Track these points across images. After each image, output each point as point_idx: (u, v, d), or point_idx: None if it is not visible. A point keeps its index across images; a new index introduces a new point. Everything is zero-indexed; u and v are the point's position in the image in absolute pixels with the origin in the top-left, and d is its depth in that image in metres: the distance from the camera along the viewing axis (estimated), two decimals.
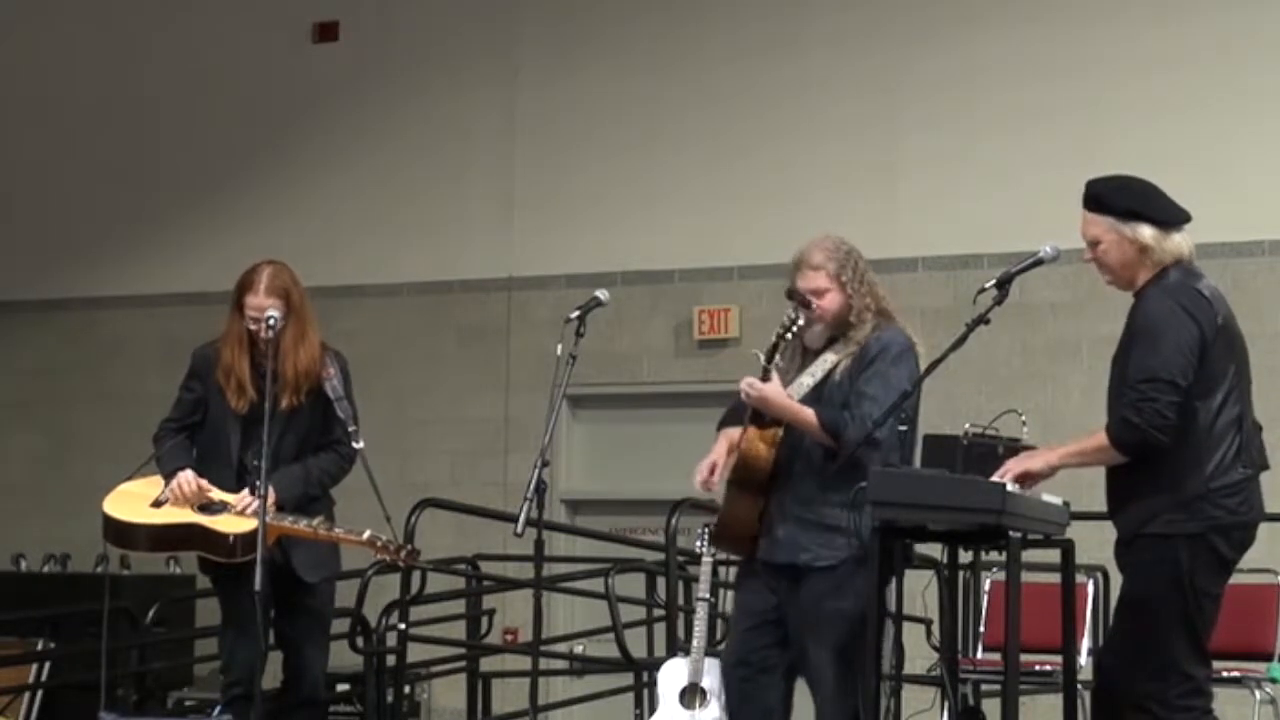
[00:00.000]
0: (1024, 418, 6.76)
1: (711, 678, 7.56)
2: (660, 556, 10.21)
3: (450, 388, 13.44)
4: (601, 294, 7.38)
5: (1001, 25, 12.14)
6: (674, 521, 9.67)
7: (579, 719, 12.17)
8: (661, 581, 10.16)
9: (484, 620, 11.02)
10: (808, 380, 6.76)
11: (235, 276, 7.61)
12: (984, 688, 8.39)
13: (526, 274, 13.27)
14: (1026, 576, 6.56)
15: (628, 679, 10.47)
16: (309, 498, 7.51)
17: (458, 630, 10.87)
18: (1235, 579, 6.40)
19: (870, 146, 12.38)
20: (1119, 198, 6.37)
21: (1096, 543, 7.07)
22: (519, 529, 7.02)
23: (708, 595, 7.89)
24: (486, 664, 10.89)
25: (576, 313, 7.24)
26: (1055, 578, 6.72)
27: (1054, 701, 7.38)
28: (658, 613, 10.43)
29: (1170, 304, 6.23)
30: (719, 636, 9.06)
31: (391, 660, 9.49)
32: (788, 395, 6.68)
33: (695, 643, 7.73)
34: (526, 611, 7.95)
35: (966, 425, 6.52)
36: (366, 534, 7.37)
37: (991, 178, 11.96)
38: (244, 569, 7.20)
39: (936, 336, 6.87)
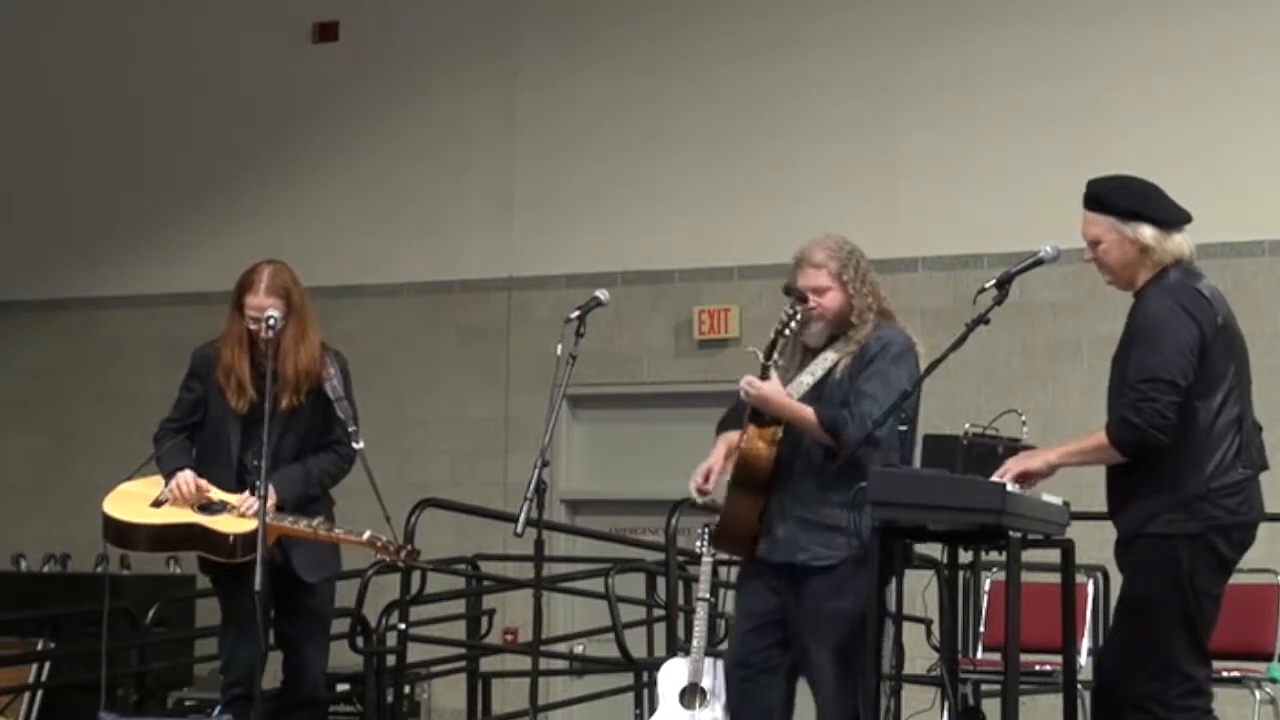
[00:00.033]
0: (1024, 418, 6.76)
1: (711, 678, 7.56)
2: (660, 556, 10.21)
3: (450, 388, 13.44)
4: (601, 294, 7.38)
5: (1001, 25, 12.14)
6: (674, 521, 9.67)
7: (579, 719, 12.17)
8: (661, 581, 10.16)
9: (484, 620, 11.02)
10: (807, 379, 6.75)
11: (235, 276, 7.61)
12: (984, 688, 8.39)
13: (526, 274, 13.27)
14: (1026, 576, 6.56)
15: (628, 679, 10.47)
16: (309, 498, 7.52)
17: (458, 630, 10.87)
18: (1235, 579, 6.40)
19: (870, 146, 12.38)
20: (1120, 198, 6.37)
21: (1096, 543, 7.07)
22: (519, 529, 7.02)
23: (708, 595, 7.89)
24: (486, 664, 10.89)
25: (576, 313, 7.24)
26: (1055, 578, 6.72)
27: (1054, 701, 7.38)
28: (658, 613, 10.43)
29: (1170, 304, 6.23)
30: (719, 636, 9.07)
31: (391, 660, 9.49)
32: (787, 394, 6.68)
33: (695, 643, 7.74)
34: (526, 611, 7.95)
35: (966, 425, 6.52)
36: (366, 534, 7.37)
37: (991, 178, 11.96)
38: (244, 569, 7.20)
39: (936, 336, 6.87)
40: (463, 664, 10.77)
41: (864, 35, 12.49)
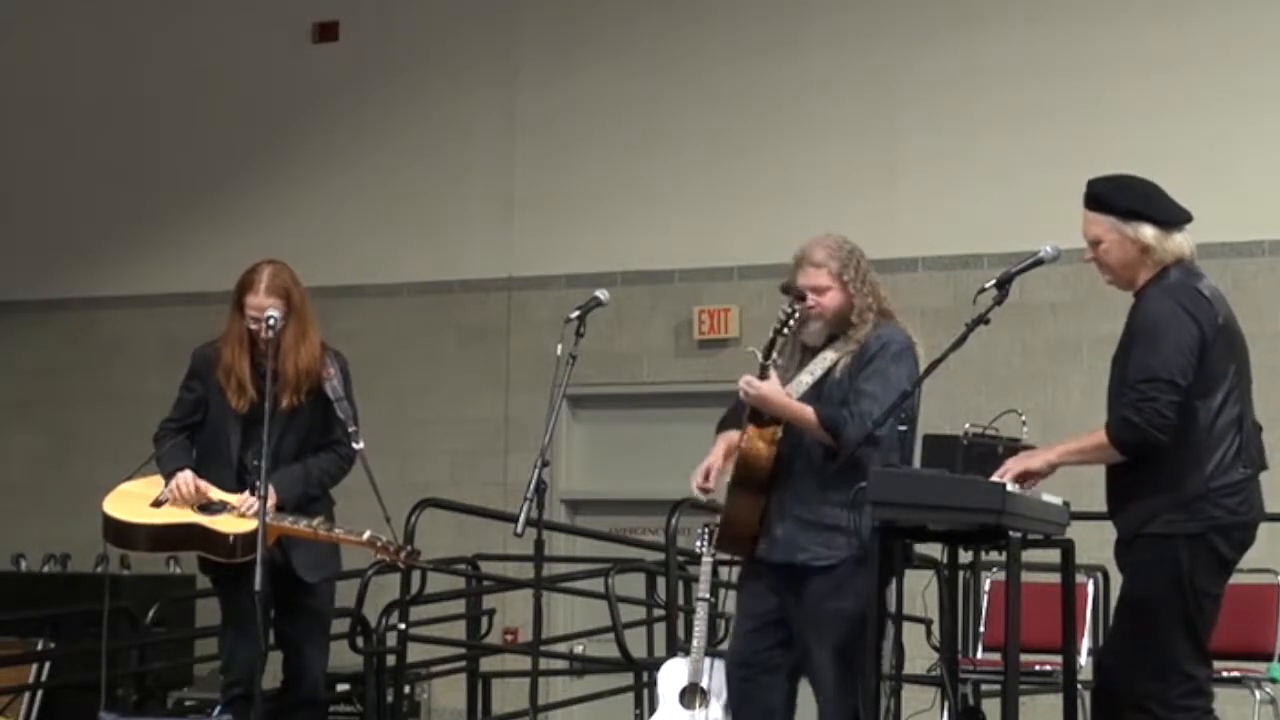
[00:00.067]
0: (1024, 418, 6.76)
1: (711, 678, 7.56)
2: (660, 556, 10.21)
3: (450, 388, 13.44)
4: (601, 294, 7.38)
5: (1001, 25, 12.14)
6: (674, 521, 9.68)
7: (579, 719, 12.17)
8: (661, 581, 10.16)
9: (484, 620, 11.02)
10: (807, 378, 6.75)
11: (235, 276, 7.61)
12: (984, 688, 8.39)
13: (526, 274, 13.27)
14: (1026, 576, 6.56)
15: (628, 679, 10.47)
16: (309, 498, 7.52)
17: (458, 630, 10.87)
18: (1235, 579, 6.40)
19: (870, 146, 12.38)
20: (1120, 197, 6.36)
21: (1096, 543, 7.07)
22: (519, 529, 7.02)
23: (708, 595, 7.89)
24: (486, 664, 10.89)
25: (576, 313, 7.24)
26: (1055, 578, 6.72)
27: (1054, 701, 7.38)
28: (658, 613, 10.43)
29: (1171, 304, 6.23)
30: (719, 636, 9.07)
31: (391, 660, 9.49)
32: (786, 393, 6.68)
33: (695, 643, 7.74)
34: (526, 611, 7.95)
35: (966, 425, 6.52)
36: (366, 534, 7.37)
37: (991, 178, 11.96)
38: (244, 569, 7.20)
39: (936, 336, 6.87)
40: (463, 664, 10.77)
41: (864, 35, 12.50)
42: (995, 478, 6.28)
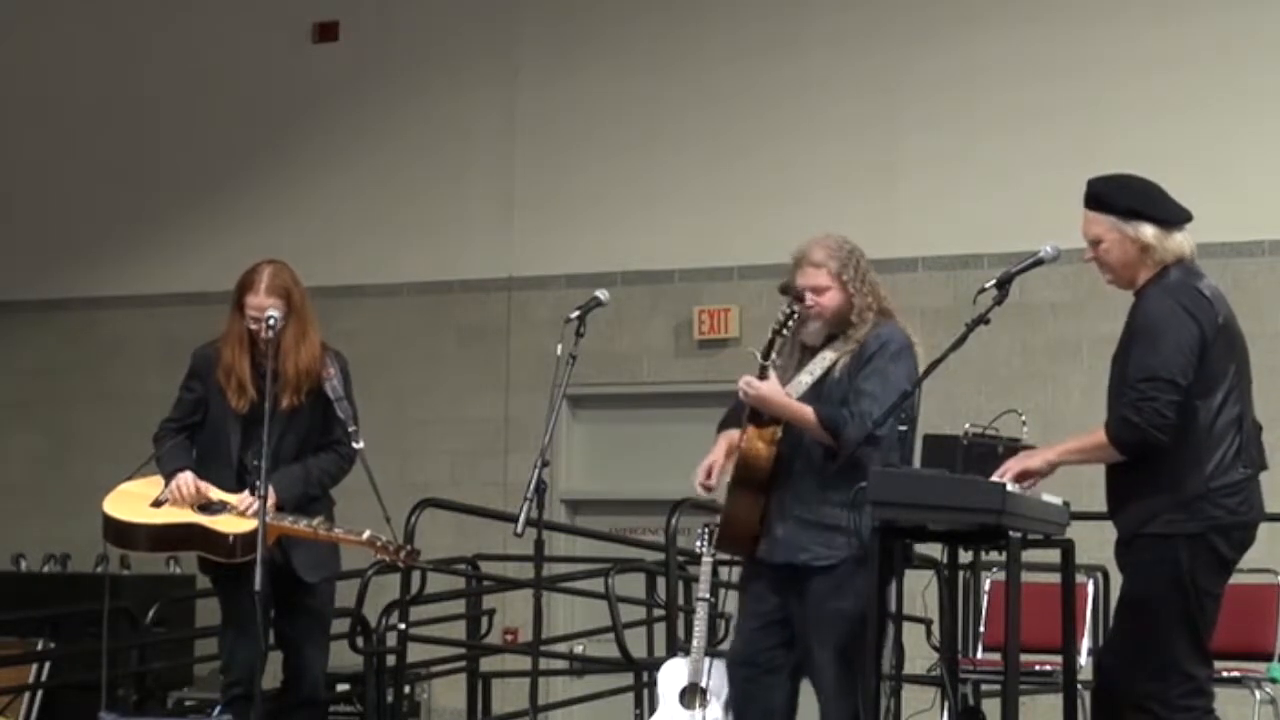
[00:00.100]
0: (1024, 418, 6.76)
1: (711, 678, 7.56)
2: (660, 556, 10.21)
3: (450, 388, 13.44)
4: (601, 294, 7.38)
5: (1001, 25, 12.14)
6: (674, 521, 9.68)
7: (579, 719, 12.17)
8: (661, 581, 10.16)
9: (484, 620, 11.02)
10: (806, 378, 6.75)
11: (235, 276, 7.61)
12: (984, 688, 8.39)
13: (526, 274, 13.27)
14: (1026, 576, 6.56)
15: (628, 679, 10.47)
16: (309, 498, 7.52)
17: (458, 630, 10.87)
18: (1235, 579, 6.40)
19: (870, 146, 12.38)
20: (1120, 196, 6.36)
21: (1096, 543, 7.07)
22: (519, 529, 7.02)
23: (708, 595, 7.89)
24: (486, 664, 10.89)
25: (576, 313, 7.24)
26: (1055, 578, 6.72)
27: (1054, 701, 7.38)
28: (658, 613, 10.43)
29: (1171, 303, 6.22)
30: (719, 636, 9.06)
31: (391, 660, 9.49)
32: (786, 394, 6.68)
33: (695, 643, 7.74)
34: (526, 611, 7.95)
35: (966, 425, 6.52)
36: (366, 534, 7.37)
37: (991, 178, 11.96)
38: (244, 569, 7.20)
39: (936, 336, 6.87)
40: (463, 664, 10.77)
41: (864, 35, 12.49)
42: (995, 478, 6.28)
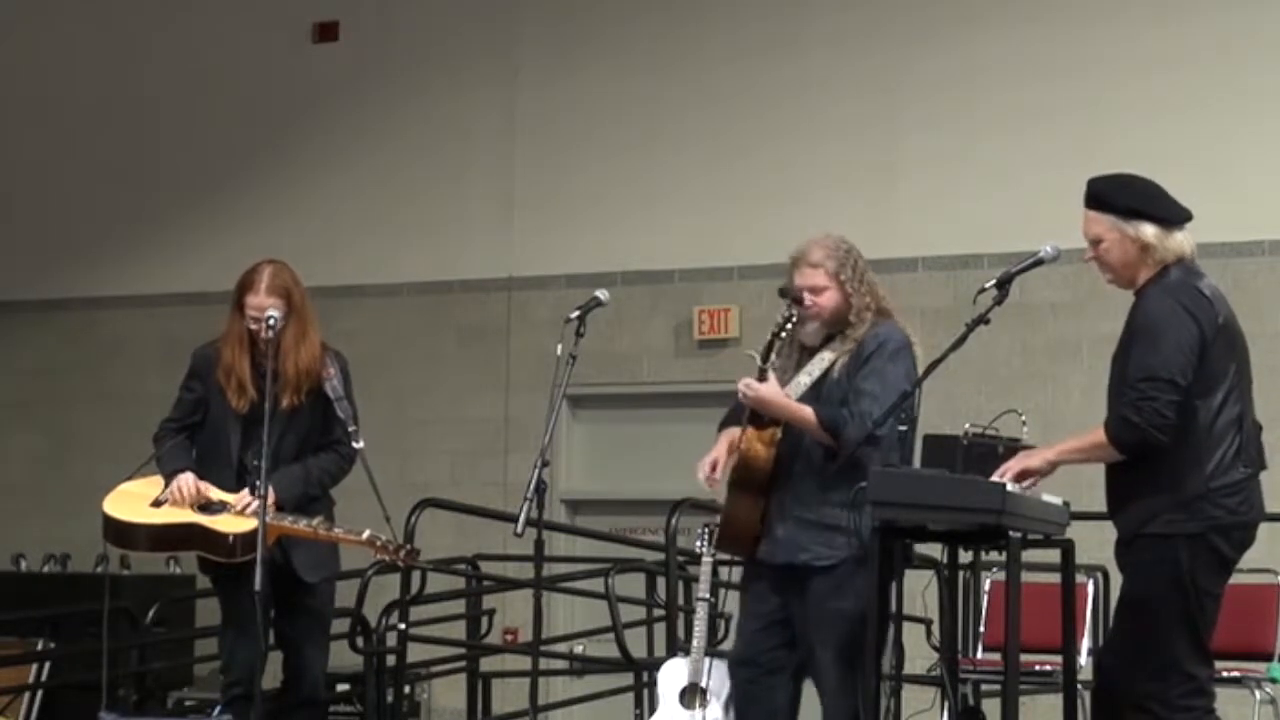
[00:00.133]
0: (1024, 418, 6.76)
1: (711, 677, 7.56)
2: (660, 556, 10.21)
3: (450, 388, 13.44)
4: (601, 294, 7.39)
5: (1001, 25, 12.14)
6: (674, 521, 9.67)
7: (579, 719, 12.17)
8: (661, 581, 10.16)
9: (484, 620, 11.02)
10: (805, 379, 6.76)
11: (235, 276, 7.61)
12: (984, 688, 8.39)
13: (526, 274, 13.27)
14: (1026, 576, 6.56)
15: (628, 679, 10.47)
16: (309, 498, 7.52)
17: (458, 630, 10.87)
18: (1235, 579, 6.40)
19: (870, 146, 12.38)
20: (1121, 196, 6.36)
21: (1096, 543, 7.07)
22: (519, 529, 7.02)
23: (708, 595, 7.89)
24: (486, 664, 10.89)
25: (576, 313, 7.24)
26: (1055, 578, 6.72)
27: (1054, 701, 7.38)
28: (658, 613, 10.43)
29: (1171, 303, 6.22)
30: (719, 636, 9.07)
31: (391, 660, 9.49)
32: (785, 395, 6.68)
33: (695, 643, 7.74)
34: (526, 611, 7.95)
35: (966, 425, 6.52)
36: (366, 534, 7.37)
37: (991, 178, 11.95)
38: (244, 569, 7.20)
39: (936, 336, 6.87)
40: (463, 664, 10.77)
41: (864, 35, 12.49)
42: (995, 478, 6.28)
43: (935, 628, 8.21)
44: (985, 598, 8.78)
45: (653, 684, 8.76)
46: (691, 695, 7.67)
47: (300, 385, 7.47)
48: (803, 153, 12.54)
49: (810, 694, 6.82)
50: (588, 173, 13.19)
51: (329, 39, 14.04)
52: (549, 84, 13.35)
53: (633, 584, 10.66)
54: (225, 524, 7.37)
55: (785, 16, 12.71)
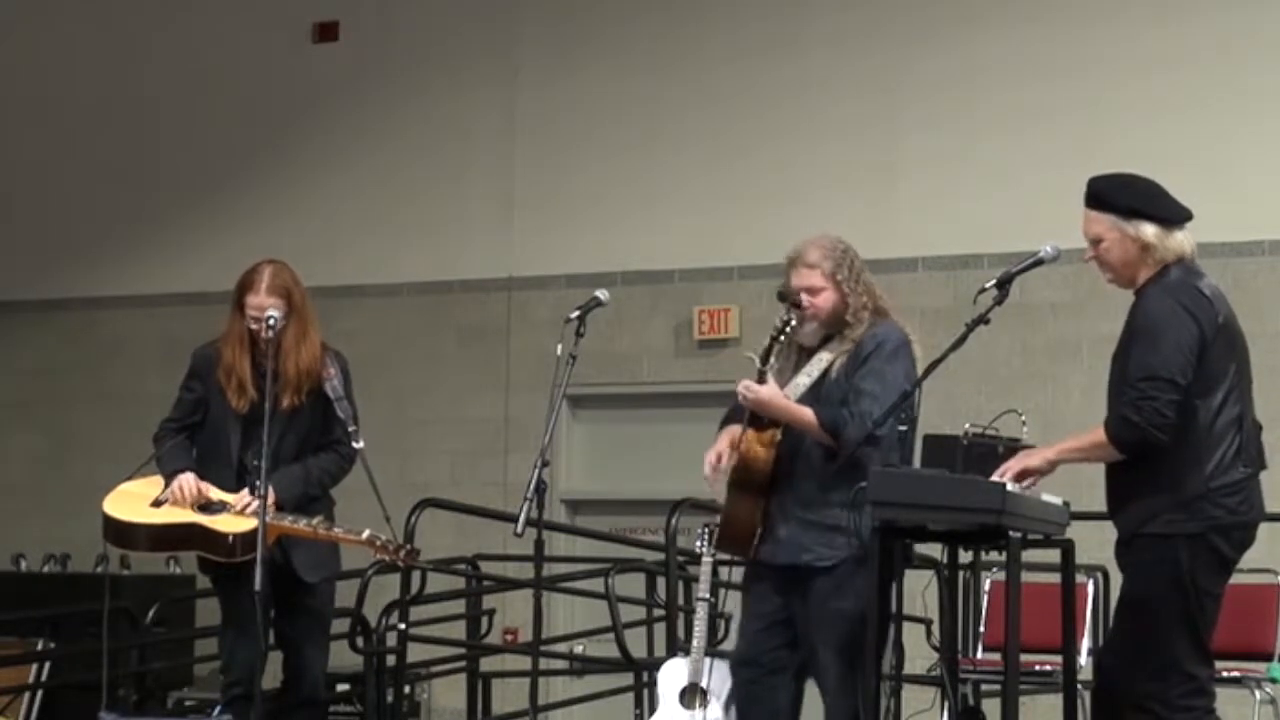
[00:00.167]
0: (1024, 418, 6.76)
1: (711, 677, 7.56)
2: (660, 556, 10.21)
3: (450, 388, 13.44)
4: (601, 294, 7.39)
5: (1001, 25, 12.14)
6: (674, 521, 9.68)
7: (579, 719, 12.17)
8: (661, 581, 10.16)
9: (484, 620, 11.02)
10: (804, 380, 6.76)
11: (235, 276, 7.61)
12: (984, 688, 8.39)
13: (526, 274, 13.27)
14: (1026, 576, 6.56)
15: (628, 679, 10.47)
16: (309, 498, 7.52)
17: (458, 630, 10.87)
18: (1235, 579, 6.40)
19: (870, 146, 12.38)
20: (1121, 195, 6.36)
21: (1096, 543, 7.07)
22: (519, 529, 7.02)
23: (708, 595, 7.89)
24: (486, 664, 10.89)
25: (576, 313, 7.24)
26: (1055, 578, 6.72)
27: (1054, 701, 7.38)
28: (658, 613, 10.43)
29: (1171, 302, 6.22)
30: (719, 636, 9.07)
31: (391, 660, 9.49)
32: (785, 396, 6.68)
33: (695, 643, 7.74)
34: (526, 611, 7.95)
35: (966, 425, 6.52)
36: (366, 534, 7.37)
37: (991, 178, 11.95)
38: (244, 569, 7.20)
39: (936, 336, 6.87)
40: (463, 664, 10.77)
41: (864, 35, 12.49)
42: (995, 477, 6.28)
43: (935, 628, 8.21)
44: (985, 598, 8.78)
45: (653, 684, 8.76)
46: (691, 695, 7.67)
47: (300, 385, 7.47)
48: (803, 153, 12.54)
49: (813, 694, 6.82)
50: (588, 173, 13.19)
51: (329, 39, 14.04)
52: (549, 84, 13.35)
53: (633, 584, 10.66)
54: (225, 524, 7.37)
55: (785, 16, 12.71)
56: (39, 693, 11.83)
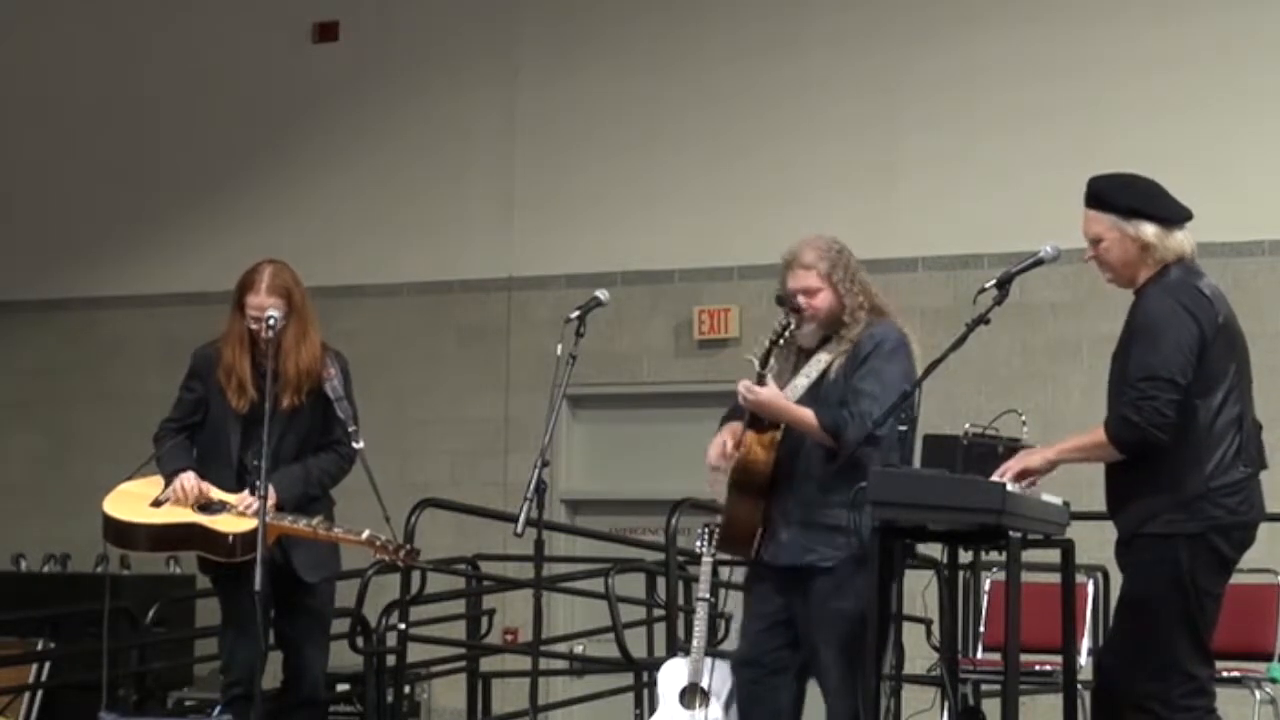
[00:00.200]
0: (1024, 418, 6.76)
1: (711, 677, 7.56)
2: (660, 556, 10.21)
3: (450, 388, 13.44)
4: (601, 294, 7.39)
5: (1001, 25, 12.14)
6: (674, 521, 9.67)
7: (579, 719, 12.17)
8: (661, 581, 10.16)
9: (484, 620, 11.02)
10: (803, 381, 6.76)
11: (235, 276, 7.62)
12: (984, 688, 8.38)
13: (526, 274, 13.27)
14: (1026, 576, 6.56)
15: (628, 679, 10.47)
16: (309, 498, 7.52)
17: (458, 630, 10.87)
18: (1235, 579, 6.40)
19: (870, 146, 12.38)
20: (1121, 195, 6.36)
21: (1096, 543, 7.07)
22: (519, 529, 7.02)
23: (708, 595, 7.89)
24: (486, 664, 10.89)
25: (576, 313, 7.24)
26: (1055, 578, 6.72)
27: (1054, 701, 7.38)
28: (658, 613, 10.43)
29: (1171, 302, 6.22)
30: (719, 636, 9.06)
31: (391, 660, 9.49)
32: (785, 397, 6.69)
33: (695, 643, 7.74)
34: (526, 611, 7.95)
35: (966, 425, 6.52)
36: (366, 534, 7.37)
37: (991, 178, 11.95)
38: (244, 569, 7.20)
39: (936, 336, 6.87)
40: (463, 664, 10.77)
41: (864, 35, 12.49)
42: (995, 477, 6.28)
43: (935, 628, 8.20)
44: (985, 598, 8.78)
45: (653, 684, 8.76)
46: (691, 695, 7.67)
47: (300, 385, 7.47)
48: (803, 153, 12.54)
49: (814, 694, 6.82)
50: (588, 173, 13.19)
51: (329, 39, 14.04)
52: (549, 84, 13.35)
53: (633, 584, 10.66)
54: (225, 524, 7.37)
55: (785, 16, 12.71)
56: (39, 693, 11.83)
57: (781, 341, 6.72)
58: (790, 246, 6.86)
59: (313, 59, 14.04)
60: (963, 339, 6.45)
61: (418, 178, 13.66)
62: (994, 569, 8.32)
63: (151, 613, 10.75)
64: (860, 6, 12.54)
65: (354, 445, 7.48)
